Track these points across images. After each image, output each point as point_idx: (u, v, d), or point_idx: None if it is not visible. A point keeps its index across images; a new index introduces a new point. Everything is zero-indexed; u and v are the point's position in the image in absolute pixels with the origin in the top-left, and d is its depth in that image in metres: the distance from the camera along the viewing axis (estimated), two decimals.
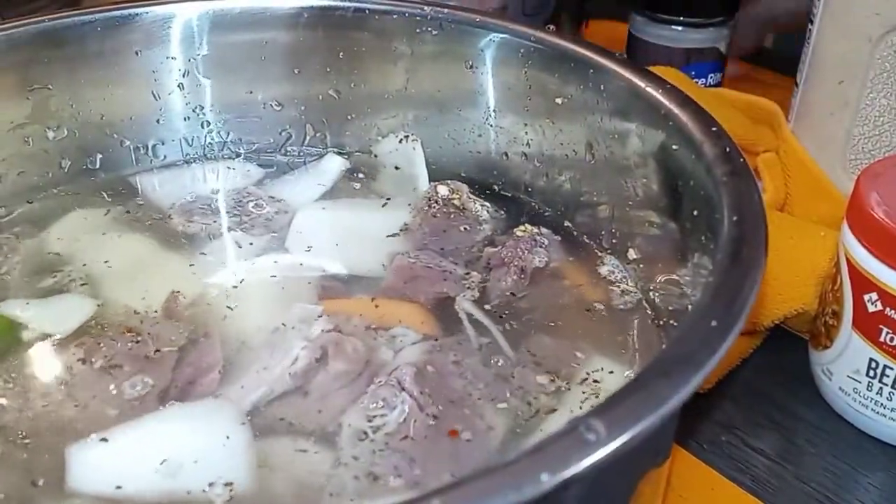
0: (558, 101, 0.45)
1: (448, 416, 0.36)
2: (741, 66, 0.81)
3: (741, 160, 0.34)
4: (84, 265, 0.44)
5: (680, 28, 0.69)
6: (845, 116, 0.55)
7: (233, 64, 0.51)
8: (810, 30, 0.56)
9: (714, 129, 0.35)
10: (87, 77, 0.48)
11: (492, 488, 0.20)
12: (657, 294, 0.41)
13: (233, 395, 0.37)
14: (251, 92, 0.52)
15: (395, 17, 0.48)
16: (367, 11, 0.49)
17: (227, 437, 0.34)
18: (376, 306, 0.42)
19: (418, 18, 0.48)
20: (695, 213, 0.35)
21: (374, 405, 0.36)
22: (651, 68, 0.40)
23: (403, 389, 0.36)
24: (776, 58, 0.83)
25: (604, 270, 0.44)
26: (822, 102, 0.57)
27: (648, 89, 0.39)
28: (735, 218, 0.30)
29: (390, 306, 0.42)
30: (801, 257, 0.46)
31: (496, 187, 0.51)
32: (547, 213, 0.48)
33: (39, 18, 0.46)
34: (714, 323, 0.25)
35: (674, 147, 0.37)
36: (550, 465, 0.20)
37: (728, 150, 0.34)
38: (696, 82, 0.69)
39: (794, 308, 0.45)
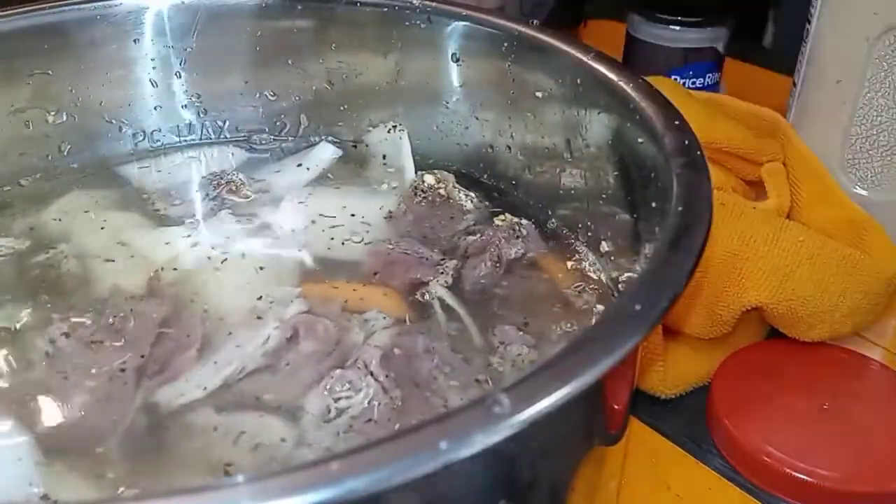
0: (538, 94, 0.45)
1: (412, 399, 0.36)
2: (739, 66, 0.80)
3: (699, 153, 0.34)
4: (75, 244, 0.46)
5: (678, 28, 0.69)
6: (843, 116, 0.55)
7: (229, 53, 0.52)
8: (808, 29, 0.56)
9: (677, 122, 0.36)
10: (86, 64, 0.50)
11: (391, 455, 0.21)
12: (624, 286, 0.41)
13: (207, 370, 0.38)
14: (247, 82, 0.53)
15: (385, 9, 0.49)
16: (357, 4, 0.50)
17: (19, 459, 0.33)
18: (353, 290, 0.43)
19: (407, 11, 0.49)
20: (653, 204, 0.36)
21: (340, 387, 0.37)
22: (648, 78, 0.40)
23: (370, 373, 0.37)
24: (774, 57, 0.83)
25: (578, 263, 0.44)
26: (820, 102, 0.56)
27: (620, 83, 0.39)
28: (680, 208, 0.30)
29: (366, 290, 0.43)
30: (771, 254, 0.46)
31: (483, 180, 0.51)
32: (530, 205, 0.49)
33: (39, 7, 0.48)
34: (638, 307, 0.25)
35: (640, 140, 0.38)
36: (451, 433, 0.21)
37: (687, 142, 0.34)
38: (694, 82, 0.69)
39: (752, 302, 0.45)
